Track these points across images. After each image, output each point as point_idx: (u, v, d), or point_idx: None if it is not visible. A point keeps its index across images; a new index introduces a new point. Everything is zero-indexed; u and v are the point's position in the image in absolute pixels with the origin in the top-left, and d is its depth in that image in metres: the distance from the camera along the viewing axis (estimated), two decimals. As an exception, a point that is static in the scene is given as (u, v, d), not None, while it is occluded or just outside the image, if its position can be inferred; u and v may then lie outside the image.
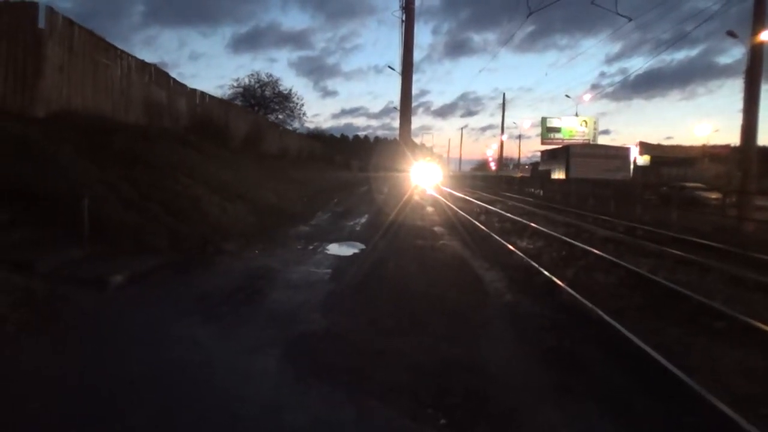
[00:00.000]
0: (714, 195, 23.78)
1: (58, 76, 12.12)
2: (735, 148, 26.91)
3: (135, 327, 5.44)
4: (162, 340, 5.08)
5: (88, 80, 13.42)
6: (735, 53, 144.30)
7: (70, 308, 5.60)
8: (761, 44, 16.99)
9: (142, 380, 4.14)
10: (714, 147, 48.25)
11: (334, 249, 10.87)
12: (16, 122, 10.07)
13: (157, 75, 17.73)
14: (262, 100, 39.40)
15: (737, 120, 18.83)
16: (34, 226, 7.84)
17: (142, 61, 16.55)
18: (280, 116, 40.89)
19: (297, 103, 41.98)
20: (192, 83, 24.96)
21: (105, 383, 4.06)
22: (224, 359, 4.74)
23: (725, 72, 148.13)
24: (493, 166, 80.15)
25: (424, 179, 35.34)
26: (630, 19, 17.86)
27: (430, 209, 20.86)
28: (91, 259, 7.47)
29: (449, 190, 38.67)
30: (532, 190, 41.31)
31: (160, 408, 3.73)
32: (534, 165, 56.26)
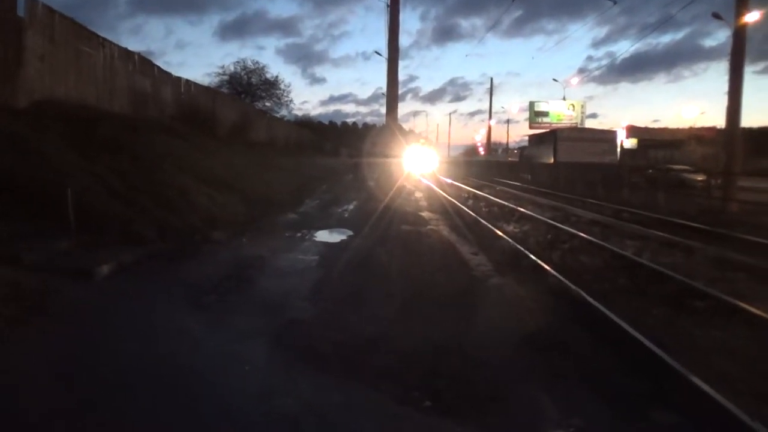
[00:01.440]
0: (700, 177, 23.98)
1: (40, 65, 11.97)
2: (721, 130, 27.10)
3: (123, 317, 5.45)
4: (150, 330, 5.10)
5: (71, 69, 13.27)
6: (720, 36, 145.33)
7: (57, 300, 5.59)
8: (745, 26, 17.12)
9: (132, 370, 4.17)
10: (701, 129, 48.57)
11: (323, 236, 10.90)
12: (-1, 113, 9.96)
13: (142, 63, 17.54)
14: (249, 88, 39.09)
15: (723, 102, 19.19)
16: (19, 218, 7.78)
17: (126, 50, 16.36)
18: (268, 104, 40.64)
19: (284, 90, 41.74)
20: (179, 72, 24.75)
21: (94, 375, 4.08)
22: (213, 347, 4.77)
23: (710, 55, 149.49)
24: (481, 151, 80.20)
25: (418, 165, 34.63)
26: (615, 2, 17.90)
27: (418, 194, 20.91)
28: (78, 251, 7.45)
29: (440, 176, 38.45)
30: (521, 174, 41.47)
31: (151, 397, 3.76)
32: (522, 149, 56.32)
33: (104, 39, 14.96)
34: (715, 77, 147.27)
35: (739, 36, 17.22)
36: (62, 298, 5.67)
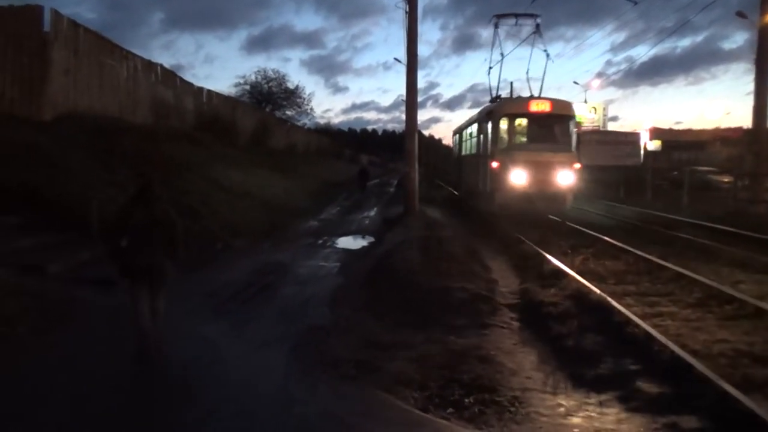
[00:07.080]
0: (726, 178, 23.46)
1: (65, 79, 12.22)
2: (747, 131, 26.56)
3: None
4: (173, 338, 5.13)
5: (95, 82, 13.52)
6: (738, 39, 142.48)
7: (81, 309, 5.68)
8: (770, 24, 16.75)
9: (155, 378, 4.21)
10: (726, 130, 47.56)
11: (343, 242, 10.90)
12: (25, 127, 10.18)
13: (164, 74, 17.80)
14: (269, 97, 39.36)
15: (745, 104, 18.88)
16: (45, 229, 7.94)
17: (149, 61, 16.64)
18: (289, 112, 40.88)
19: (305, 99, 41.96)
20: (206, 84, 25.08)
21: (118, 381, 4.12)
22: (234, 355, 4.79)
23: (730, 57, 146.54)
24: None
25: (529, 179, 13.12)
26: (635, 2, 17.60)
27: (434, 192, 20.74)
28: (101, 261, 7.54)
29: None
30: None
31: (172, 404, 3.79)
32: (543, 153, 55.96)
33: (127, 51, 15.23)
34: (735, 78, 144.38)
35: (765, 35, 16.86)
36: (86, 307, 5.76)
